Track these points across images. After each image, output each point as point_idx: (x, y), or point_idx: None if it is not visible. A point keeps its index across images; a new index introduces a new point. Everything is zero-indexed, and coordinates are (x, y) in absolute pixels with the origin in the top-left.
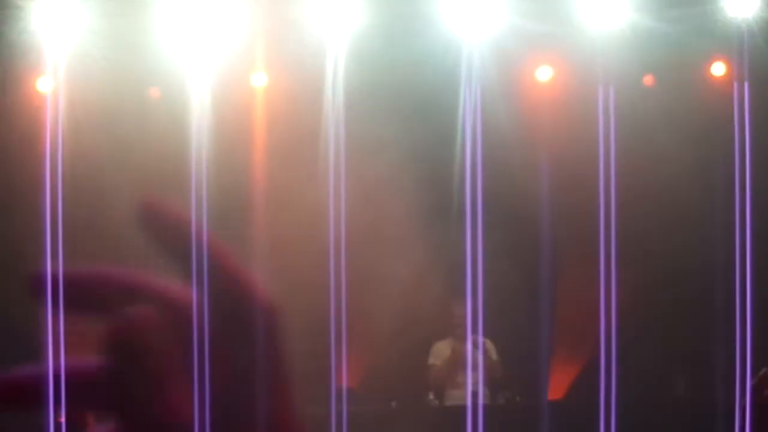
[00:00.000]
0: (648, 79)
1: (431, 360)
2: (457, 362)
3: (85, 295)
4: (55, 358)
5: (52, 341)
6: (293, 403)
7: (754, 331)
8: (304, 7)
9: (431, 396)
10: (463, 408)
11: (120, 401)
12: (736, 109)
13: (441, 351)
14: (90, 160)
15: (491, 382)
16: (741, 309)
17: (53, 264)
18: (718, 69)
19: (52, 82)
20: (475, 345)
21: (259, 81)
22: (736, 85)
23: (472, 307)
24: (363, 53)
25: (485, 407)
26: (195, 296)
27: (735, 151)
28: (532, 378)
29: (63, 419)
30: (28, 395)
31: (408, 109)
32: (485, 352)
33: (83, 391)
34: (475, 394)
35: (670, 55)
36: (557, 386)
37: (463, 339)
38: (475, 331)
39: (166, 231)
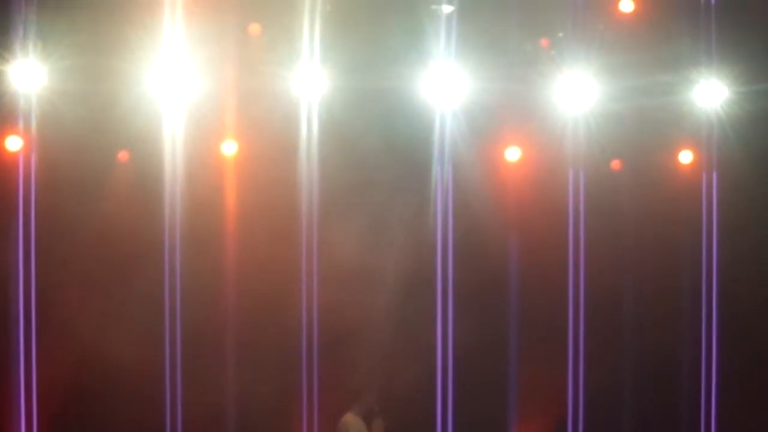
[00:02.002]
0: (616, 164)
1: None
2: None
3: None
4: None
5: None
6: None
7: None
8: (276, 74)
9: None
10: None
11: None
12: (703, 197)
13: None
14: (59, 221)
15: None
16: (706, 377)
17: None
18: (686, 157)
19: (22, 141)
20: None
21: (230, 148)
22: (704, 173)
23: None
24: (334, 120)
25: None
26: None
27: (702, 236)
28: None
29: None
30: None
31: (380, 180)
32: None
33: None
34: None
35: (639, 141)
36: None
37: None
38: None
39: None
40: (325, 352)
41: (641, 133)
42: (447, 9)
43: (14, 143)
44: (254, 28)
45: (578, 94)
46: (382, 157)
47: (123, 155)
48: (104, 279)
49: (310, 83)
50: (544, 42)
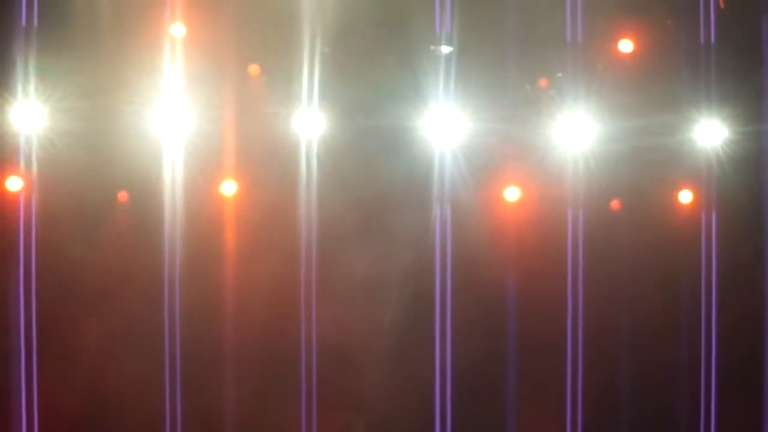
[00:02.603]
0: (615, 204)
1: None
2: None
3: None
4: None
5: None
6: None
7: None
8: (275, 115)
9: None
10: None
11: None
12: (703, 236)
13: None
14: (59, 261)
15: None
16: (705, 417)
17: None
18: (686, 196)
19: (23, 182)
20: None
21: (229, 188)
22: (703, 213)
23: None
24: (333, 161)
25: None
26: None
27: (701, 275)
28: None
29: None
30: None
31: (379, 220)
32: None
33: None
34: None
35: (639, 181)
36: None
37: None
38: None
39: None
40: (323, 389)
41: (641, 173)
42: (446, 49)
43: (15, 183)
44: (253, 69)
45: (577, 133)
46: (381, 197)
47: (123, 195)
48: (104, 319)
49: (309, 124)
50: (543, 82)
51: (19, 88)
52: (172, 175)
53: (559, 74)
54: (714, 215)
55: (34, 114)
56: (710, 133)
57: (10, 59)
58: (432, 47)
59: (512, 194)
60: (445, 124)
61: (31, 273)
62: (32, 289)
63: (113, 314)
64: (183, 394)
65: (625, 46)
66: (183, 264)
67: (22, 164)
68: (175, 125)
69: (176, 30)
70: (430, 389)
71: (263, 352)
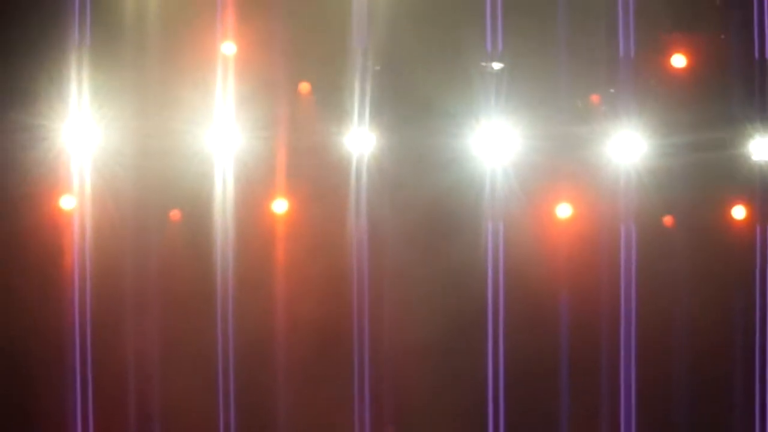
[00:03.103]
0: (668, 220)
1: None
2: None
3: None
4: None
5: None
6: None
7: None
8: (326, 132)
9: None
10: None
11: None
12: (758, 252)
13: None
14: (113, 280)
15: None
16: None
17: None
18: (739, 212)
19: (75, 200)
20: None
21: (280, 207)
22: (757, 228)
23: None
24: (384, 178)
25: None
26: None
27: (755, 292)
28: None
29: None
30: None
31: (430, 238)
32: None
33: None
34: None
35: (692, 196)
36: None
37: None
38: None
39: None
40: (376, 404)
41: (694, 189)
42: (496, 66)
43: (68, 202)
44: (304, 87)
45: (630, 149)
46: (432, 214)
47: (175, 214)
48: (158, 338)
49: (359, 141)
50: (594, 98)
51: (73, 107)
52: (224, 193)
53: (612, 90)
54: None
55: (87, 133)
56: (764, 148)
57: (63, 78)
58: (483, 64)
59: (564, 211)
60: (496, 141)
61: (85, 292)
62: (87, 307)
63: (167, 332)
64: (236, 410)
65: (678, 60)
66: (235, 282)
67: (75, 183)
68: (226, 144)
69: (227, 48)
70: (482, 407)
71: (316, 369)
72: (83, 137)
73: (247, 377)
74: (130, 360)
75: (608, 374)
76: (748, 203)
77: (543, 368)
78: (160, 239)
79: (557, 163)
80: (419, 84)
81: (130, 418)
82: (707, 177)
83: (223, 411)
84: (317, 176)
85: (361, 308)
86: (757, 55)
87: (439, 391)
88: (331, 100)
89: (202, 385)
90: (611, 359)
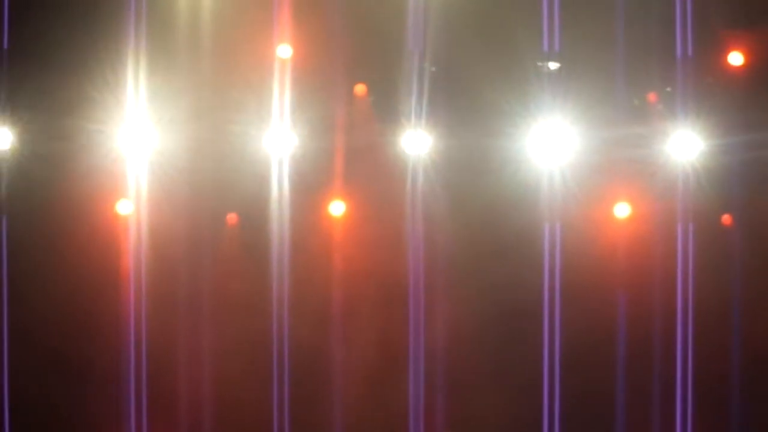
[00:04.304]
0: (726, 219)
1: None
2: None
3: None
4: None
5: None
6: None
7: None
8: (382, 134)
9: None
10: None
11: None
12: None
13: None
14: (170, 284)
15: None
16: None
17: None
18: None
19: (132, 205)
20: None
21: (337, 209)
22: None
23: None
24: (441, 179)
25: None
26: None
27: None
28: None
29: None
30: None
31: (487, 239)
32: None
33: None
34: None
35: (751, 195)
36: None
37: None
38: None
39: None
40: (431, 407)
41: (752, 187)
42: (553, 65)
43: (125, 207)
44: (360, 89)
45: (687, 148)
46: (489, 215)
47: (231, 217)
48: (214, 341)
49: (416, 142)
50: (651, 97)
51: (129, 111)
52: (281, 196)
53: (669, 89)
54: None
55: (144, 137)
56: None
57: (120, 82)
58: (539, 64)
59: (622, 210)
60: (553, 141)
61: (141, 296)
62: (142, 311)
63: (223, 335)
64: (291, 411)
65: (736, 58)
66: (292, 285)
67: (132, 188)
68: (283, 146)
69: (283, 51)
70: (537, 410)
71: (371, 371)
72: (140, 141)
73: (303, 379)
74: (186, 363)
75: (665, 375)
76: None
77: (600, 369)
78: (217, 242)
79: (614, 162)
80: (475, 85)
81: (185, 420)
82: (765, 175)
83: (278, 413)
84: (374, 178)
85: (418, 309)
86: None
87: (494, 392)
88: (387, 102)
89: (258, 387)
90: (668, 360)
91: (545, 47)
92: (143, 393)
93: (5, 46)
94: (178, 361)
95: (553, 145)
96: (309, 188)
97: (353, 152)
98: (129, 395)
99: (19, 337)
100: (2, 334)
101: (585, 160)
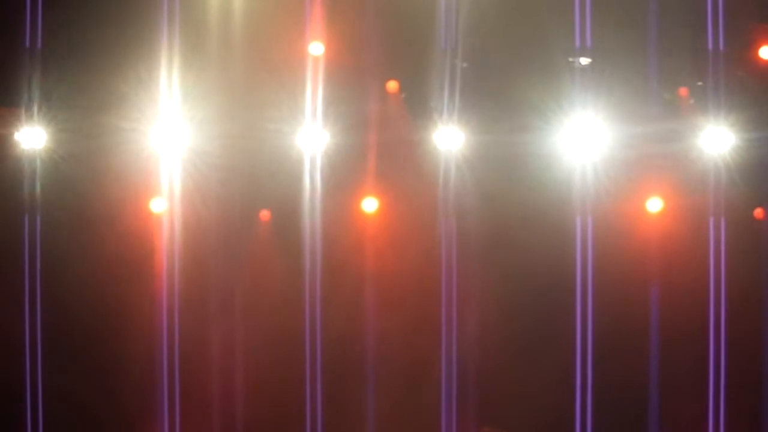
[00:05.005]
0: (758, 212)
1: None
2: None
3: None
4: None
5: None
6: None
7: None
8: (414, 130)
9: None
10: None
11: None
12: None
13: None
14: (204, 282)
15: None
16: None
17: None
18: None
19: (166, 202)
20: None
21: (370, 206)
22: None
23: None
24: (473, 175)
25: None
26: None
27: None
28: None
29: None
30: None
31: (519, 232)
32: None
33: None
34: None
35: None
36: None
37: None
38: None
39: None
40: (463, 402)
41: None
42: (584, 61)
43: (159, 205)
44: (392, 85)
45: (719, 142)
46: (521, 210)
47: (264, 214)
48: (248, 339)
49: (448, 138)
50: (683, 91)
51: (162, 109)
52: (313, 193)
53: (700, 83)
54: None
55: (177, 135)
56: None
57: (152, 80)
58: (571, 59)
59: (654, 205)
60: (585, 136)
61: (174, 294)
62: (176, 309)
63: (257, 332)
64: (323, 408)
65: (767, 53)
66: (324, 282)
67: (165, 185)
68: (315, 143)
69: (315, 48)
70: (570, 404)
71: (404, 366)
72: (173, 139)
73: (335, 376)
74: (220, 360)
75: (697, 369)
76: None
77: (632, 363)
78: (250, 239)
79: (646, 157)
80: (507, 80)
81: (218, 417)
82: None
83: (310, 409)
84: (406, 175)
85: (450, 305)
86: None
87: (527, 386)
88: (419, 99)
89: (291, 384)
90: (700, 354)
91: (577, 42)
92: (176, 391)
93: (39, 45)
94: (211, 358)
95: (584, 141)
96: (341, 185)
97: (385, 149)
98: (162, 393)
99: (53, 336)
100: (36, 333)
101: (617, 155)
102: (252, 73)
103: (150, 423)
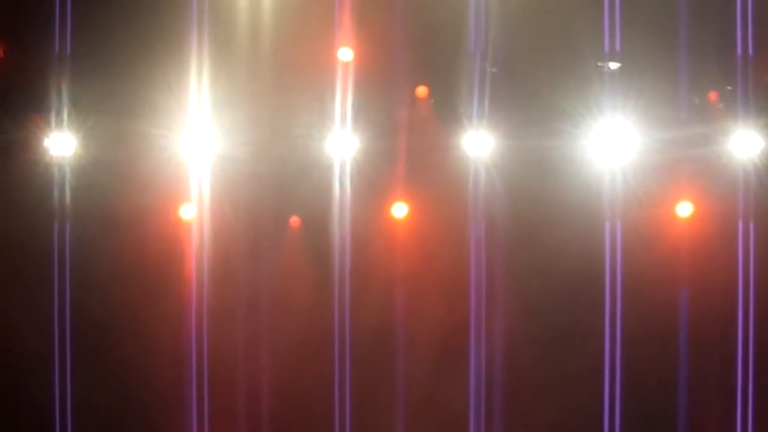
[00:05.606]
0: None
1: None
2: None
3: None
4: None
5: None
6: None
7: None
8: (443, 135)
9: None
10: None
11: None
12: None
13: None
14: (233, 287)
15: None
16: None
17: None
18: None
19: (195, 209)
20: None
21: (400, 211)
22: None
23: None
24: (502, 179)
25: None
26: None
27: None
28: None
29: None
30: None
31: (548, 239)
32: None
33: None
34: None
35: None
36: None
37: None
38: None
39: None
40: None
41: None
42: (613, 65)
43: (188, 211)
44: (421, 91)
45: (748, 146)
46: (551, 215)
47: (294, 220)
48: (277, 344)
49: (477, 144)
50: (712, 96)
51: (191, 115)
52: (343, 198)
53: (729, 87)
54: None
55: (207, 140)
56: None
57: (182, 87)
58: (600, 64)
59: (684, 210)
60: (614, 141)
61: (204, 299)
62: (205, 315)
63: (287, 337)
64: (352, 412)
65: None
66: (354, 287)
67: (195, 192)
68: (345, 149)
69: (344, 54)
70: (599, 407)
71: (433, 370)
72: (203, 145)
73: (364, 379)
74: (249, 365)
75: (725, 373)
76: None
77: (661, 367)
78: (279, 245)
79: (676, 161)
80: (536, 85)
81: (246, 421)
82: None
83: (339, 413)
84: (435, 179)
85: (479, 309)
86: None
87: (555, 390)
88: (448, 104)
89: (320, 388)
90: (729, 358)
91: (606, 47)
92: (205, 396)
93: (68, 51)
94: (240, 363)
95: (614, 145)
96: (371, 190)
97: (415, 154)
98: (191, 398)
99: (83, 342)
100: (65, 339)
101: (646, 159)
102: (281, 79)
103: (178, 427)
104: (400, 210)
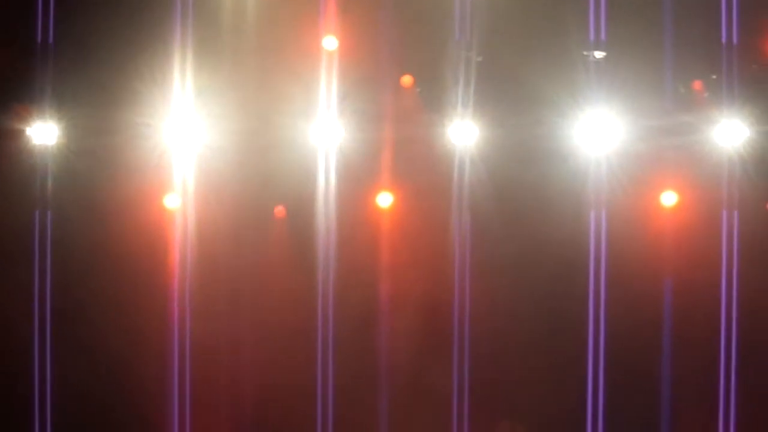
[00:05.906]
0: None
1: None
2: None
3: None
4: None
5: None
6: None
7: None
8: (429, 125)
9: None
10: None
11: None
12: None
13: None
14: (217, 277)
15: None
16: None
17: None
18: None
19: (180, 199)
20: None
21: (385, 200)
22: None
23: None
24: (488, 169)
25: None
26: None
27: None
28: None
29: None
30: None
31: (533, 225)
32: None
33: None
34: None
35: None
36: None
37: None
38: None
39: None
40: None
41: None
42: (599, 54)
43: (172, 201)
44: (407, 80)
45: (733, 136)
46: (535, 204)
47: (279, 210)
48: (261, 335)
49: (463, 133)
50: (697, 84)
51: (176, 105)
52: (328, 188)
53: (714, 76)
54: None
55: (191, 130)
56: None
57: (166, 77)
58: (585, 53)
59: (669, 199)
60: (599, 130)
61: (188, 290)
62: (189, 305)
63: (270, 328)
64: (335, 403)
65: None
66: (339, 277)
67: (179, 182)
68: (329, 138)
69: (328, 43)
70: (582, 397)
71: (417, 361)
72: (187, 135)
73: (348, 371)
74: (232, 356)
75: (710, 363)
76: None
77: (645, 357)
78: (264, 235)
79: (661, 150)
80: (522, 74)
81: (229, 413)
82: None
83: (322, 405)
84: (421, 169)
85: (463, 300)
86: None
87: (539, 380)
88: (434, 93)
89: (303, 379)
90: (713, 348)
91: (591, 36)
92: (187, 388)
93: (51, 40)
94: (224, 353)
95: (599, 134)
96: (356, 180)
97: (400, 143)
98: (173, 389)
99: (63, 332)
100: (45, 329)
101: (631, 148)
102: (266, 69)
103: (160, 419)
104: (385, 199)
